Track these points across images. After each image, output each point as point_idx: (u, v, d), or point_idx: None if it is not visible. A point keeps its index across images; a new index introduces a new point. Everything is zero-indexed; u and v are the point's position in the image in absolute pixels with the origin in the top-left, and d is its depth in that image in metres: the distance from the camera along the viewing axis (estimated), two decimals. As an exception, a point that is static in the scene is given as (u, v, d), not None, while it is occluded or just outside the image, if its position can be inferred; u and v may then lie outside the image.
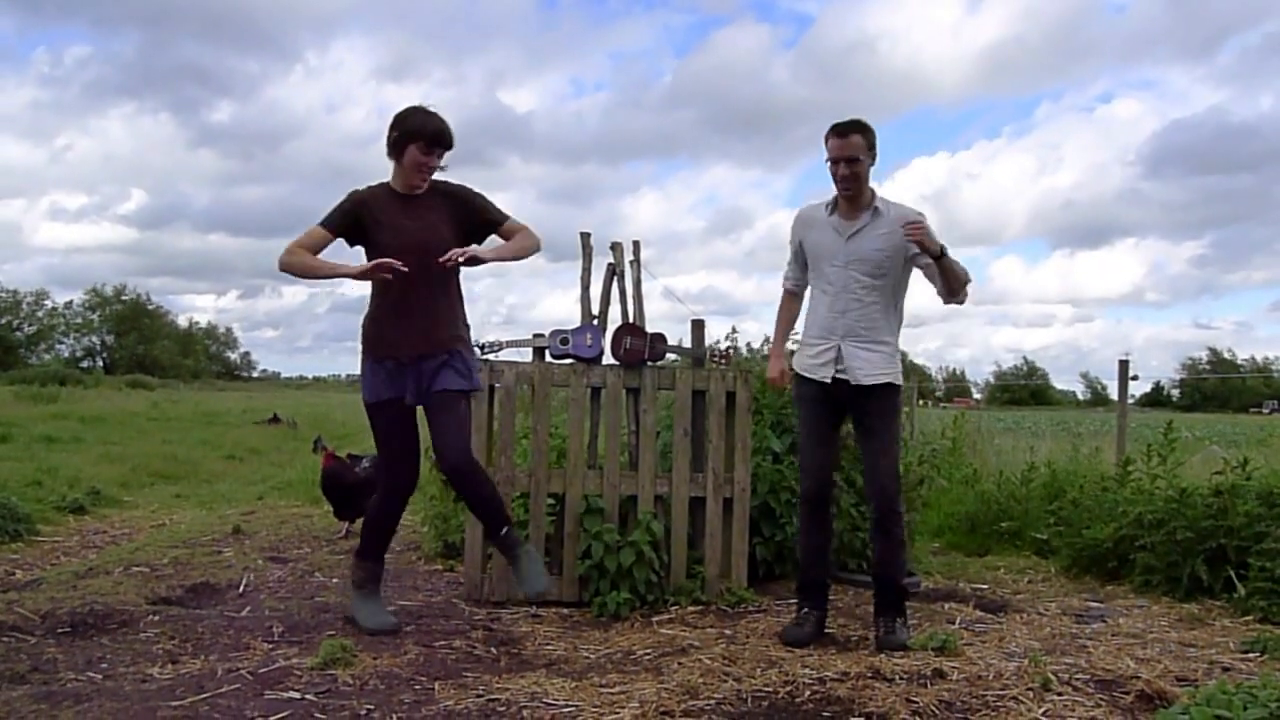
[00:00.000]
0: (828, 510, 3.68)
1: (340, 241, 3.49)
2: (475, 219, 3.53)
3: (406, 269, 3.26)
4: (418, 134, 3.35)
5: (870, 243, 3.53)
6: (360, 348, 3.54)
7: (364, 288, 3.55)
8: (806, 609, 3.61)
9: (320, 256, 3.42)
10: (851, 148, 3.48)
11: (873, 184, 3.58)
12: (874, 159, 3.55)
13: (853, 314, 3.54)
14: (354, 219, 3.43)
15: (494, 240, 3.57)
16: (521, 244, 3.52)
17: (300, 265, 3.35)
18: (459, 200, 3.51)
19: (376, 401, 3.50)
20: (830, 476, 3.70)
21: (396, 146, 3.38)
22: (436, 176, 3.49)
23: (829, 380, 3.55)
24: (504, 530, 3.54)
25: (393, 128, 3.38)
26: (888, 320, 3.56)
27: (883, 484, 3.52)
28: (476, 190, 3.57)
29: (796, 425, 4.01)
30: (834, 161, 3.51)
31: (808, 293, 3.79)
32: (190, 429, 15.46)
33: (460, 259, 3.34)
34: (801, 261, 3.77)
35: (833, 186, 3.58)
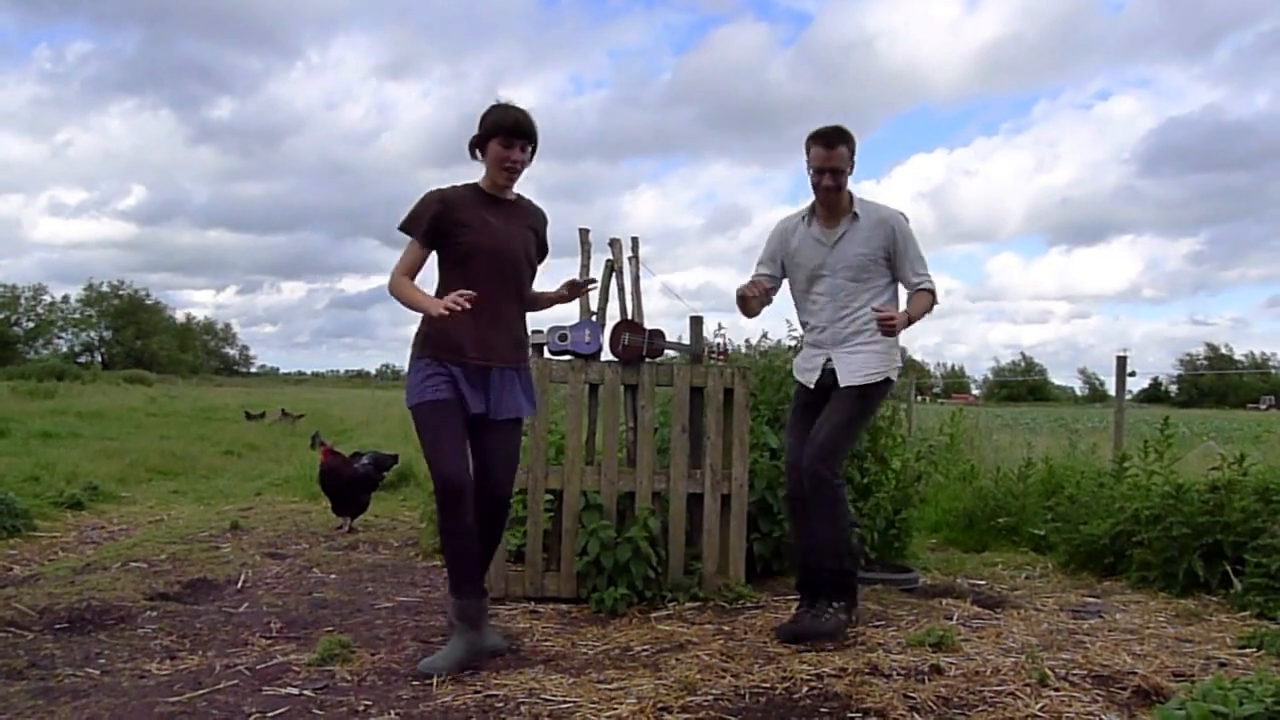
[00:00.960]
0: None
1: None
2: (539, 248, 3.48)
3: (471, 304, 3.06)
4: (497, 128, 3.27)
5: (853, 247, 3.52)
6: (413, 349, 3.32)
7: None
8: (805, 606, 3.62)
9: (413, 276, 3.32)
10: (838, 159, 3.46)
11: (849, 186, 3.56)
12: (853, 167, 3.53)
13: (844, 320, 3.55)
14: (438, 225, 3.29)
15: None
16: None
17: (401, 295, 3.27)
18: (540, 222, 3.47)
19: (423, 402, 3.21)
20: None
21: (479, 146, 3.32)
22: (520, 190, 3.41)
23: (813, 385, 3.61)
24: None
25: (477, 129, 3.32)
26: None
27: (809, 455, 3.50)
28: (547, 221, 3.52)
29: None
30: (819, 171, 3.48)
31: (782, 292, 3.79)
32: (188, 424, 15.46)
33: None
34: (777, 269, 3.74)
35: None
